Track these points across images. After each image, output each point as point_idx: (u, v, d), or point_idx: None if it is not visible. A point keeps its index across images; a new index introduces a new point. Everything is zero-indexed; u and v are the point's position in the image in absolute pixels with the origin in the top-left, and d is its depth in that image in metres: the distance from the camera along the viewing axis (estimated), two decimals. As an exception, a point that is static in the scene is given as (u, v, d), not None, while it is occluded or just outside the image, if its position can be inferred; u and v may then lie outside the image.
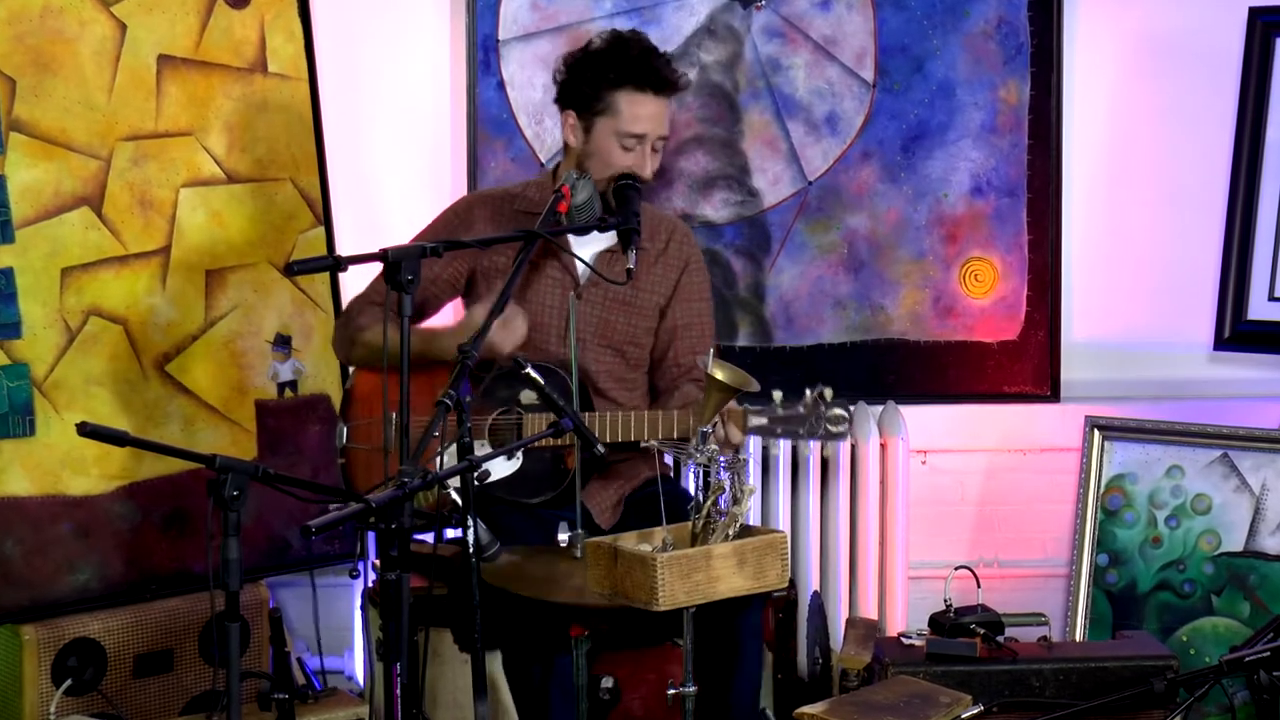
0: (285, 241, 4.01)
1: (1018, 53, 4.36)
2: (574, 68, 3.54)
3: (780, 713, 3.79)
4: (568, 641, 3.16)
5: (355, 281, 3.70)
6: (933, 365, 4.42)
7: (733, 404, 3.22)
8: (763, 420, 3.31)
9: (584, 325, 3.53)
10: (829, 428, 3.29)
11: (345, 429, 3.62)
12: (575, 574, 3.03)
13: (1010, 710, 3.41)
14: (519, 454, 3.36)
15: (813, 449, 4.24)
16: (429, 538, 2.98)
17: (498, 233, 3.49)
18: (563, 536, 3.09)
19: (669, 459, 3.85)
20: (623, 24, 4.08)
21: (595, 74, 3.48)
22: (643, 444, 3.21)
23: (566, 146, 3.61)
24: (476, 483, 2.77)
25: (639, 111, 3.46)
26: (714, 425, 3.05)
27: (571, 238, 3.47)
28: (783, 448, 4.22)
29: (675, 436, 3.34)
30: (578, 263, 3.56)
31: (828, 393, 3.25)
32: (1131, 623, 4.23)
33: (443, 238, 3.46)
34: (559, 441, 3.39)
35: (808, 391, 3.28)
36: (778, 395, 3.27)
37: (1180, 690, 3.38)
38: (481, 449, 3.37)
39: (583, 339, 3.53)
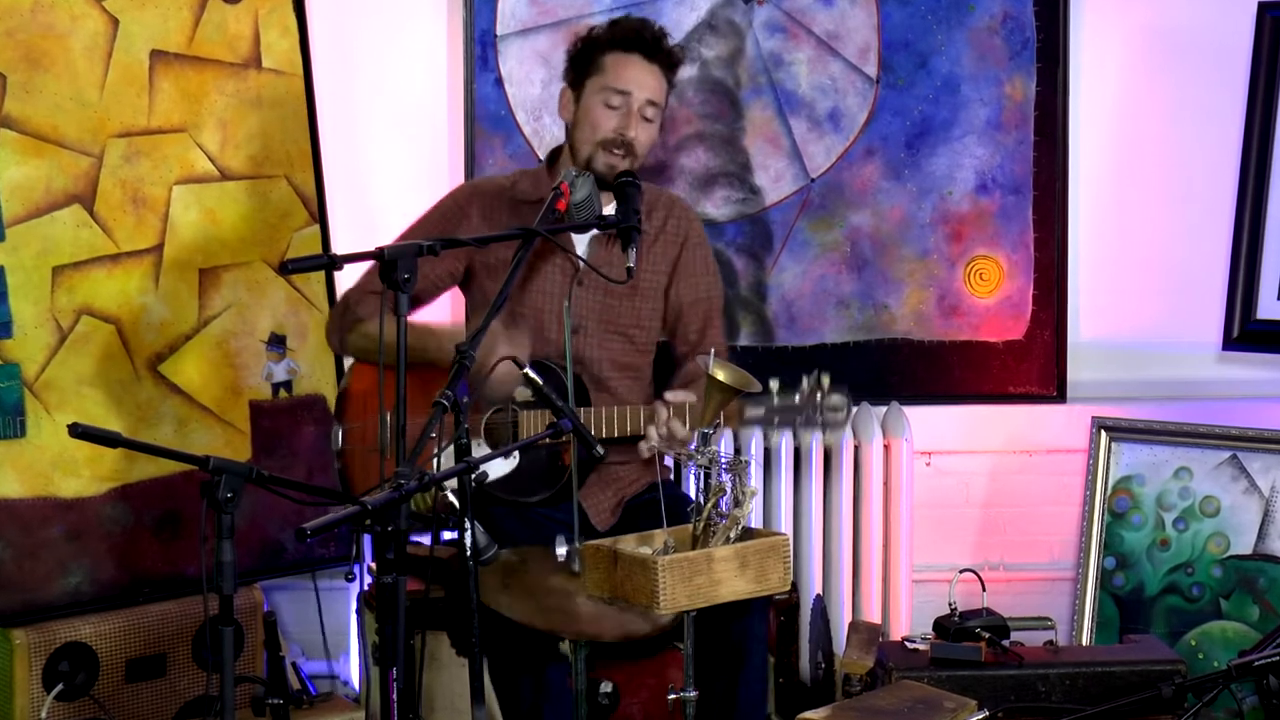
0: (280, 240, 3.97)
1: (1023, 48, 4.32)
2: (574, 47, 3.55)
3: (782, 717, 3.76)
4: (559, 650, 3.10)
5: (351, 280, 3.66)
6: (937, 365, 4.38)
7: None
8: (759, 410, 3.23)
9: (586, 312, 3.50)
10: (827, 416, 3.22)
11: (341, 432, 3.57)
12: (592, 609, 2.97)
13: (1016, 716, 3.41)
14: (516, 453, 3.32)
15: (815, 449, 4.20)
16: (426, 540, 2.94)
17: (494, 224, 3.49)
18: (560, 550, 3.04)
19: (669, 461, 3.81)
20: (622, 18, 4.05)
21: (589, 45, 3.51)
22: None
23: (566, 133, 3.57)
24: (474, 484, 2.73)
25: (624, 69, 3.45)
26: (716, 426, 3.01)
27: (572, 234, 3.43)
28: (785, 448, 4.18)
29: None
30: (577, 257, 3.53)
31: (825, 380, 3.17)
32: (1139, 627, 4.21)
33: (438, 230, 3.46)
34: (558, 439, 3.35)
35: (805, 379, 3.20)
36: (774, 385, 3.19)
37: (1188, 695, 3.37)
38: (477, 448, 3.33)
39: (585, 326, 3.50)
